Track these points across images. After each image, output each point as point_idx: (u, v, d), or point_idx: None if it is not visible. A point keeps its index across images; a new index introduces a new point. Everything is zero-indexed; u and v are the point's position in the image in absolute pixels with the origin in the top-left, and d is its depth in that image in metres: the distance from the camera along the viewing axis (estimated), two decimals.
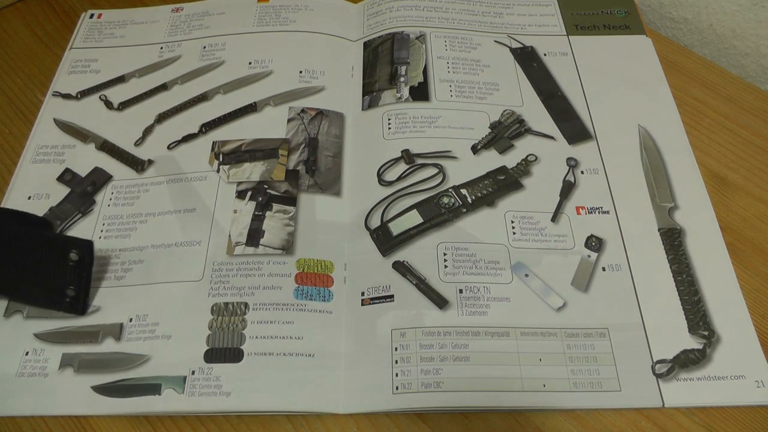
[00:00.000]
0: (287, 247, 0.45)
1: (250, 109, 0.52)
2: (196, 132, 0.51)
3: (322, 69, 0.55)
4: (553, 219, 0.46)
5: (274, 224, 0.46)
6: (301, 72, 0.55)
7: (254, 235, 0.45)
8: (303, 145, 0.50)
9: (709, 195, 0.48)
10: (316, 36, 0.58)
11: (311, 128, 0.51)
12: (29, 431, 0.39)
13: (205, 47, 0.57)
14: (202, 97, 0.53)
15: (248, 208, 0.46)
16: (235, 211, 0.46)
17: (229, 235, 0.45)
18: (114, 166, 0.49)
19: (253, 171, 0.48)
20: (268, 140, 0.50)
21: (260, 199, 0.47)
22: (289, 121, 0.52)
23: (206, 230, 0.45)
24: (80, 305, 0.42)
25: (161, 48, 0.57)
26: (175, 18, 0.60)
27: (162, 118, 0.52)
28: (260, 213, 0.46)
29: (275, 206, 0.47)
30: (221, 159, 0.49)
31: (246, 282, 0.43)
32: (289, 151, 0.50)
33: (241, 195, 0.47)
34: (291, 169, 0.49)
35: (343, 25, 0.60)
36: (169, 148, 0.50)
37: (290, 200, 0.47)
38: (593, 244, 0.45)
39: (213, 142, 0.50)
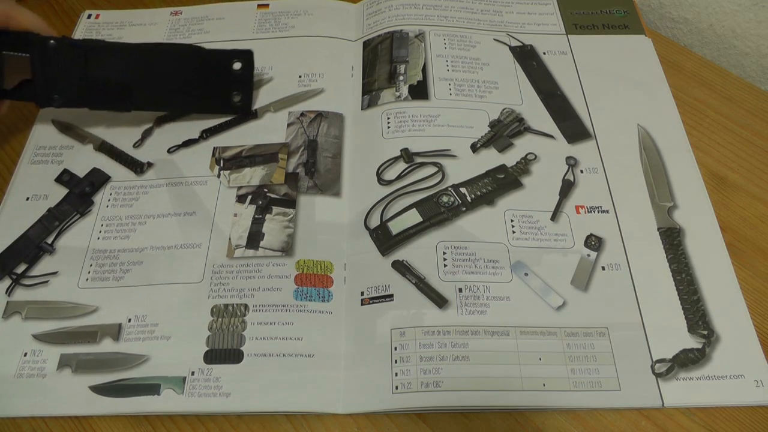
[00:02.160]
0: (287, 249, 0.45)
1: (251, 115, 0.52)
2: (197, 137, 0.51)
3: (322, 71, 0.55)
4: (553, 218, 0.46)
5: (273, 227, 0.46)
6: (300, 76, 0.55)
7: (254, 238, 0.45)
8: (302, 148, 0.50)
9: (708, 195, 0.48)
10: (315, 39, 0.58)
11: (310, 130, 0.51)
12: (29, 431, 0.39)
13: None
14: None
15: (248, 211, 0.46)
16: (235, 215, 0.46)
17: (229, 238, 0.45)
18: (113, 168, 0.49)
19: (253, 175, 0.48)
20: (268, 145, 0.50)
21: (260, 202, 0.47)
22: (288, 125, 0.51)
23: (206, 233, 0.45)
24: (247, 107, 0.51)
25: None
26: (174, 21, 0.60)
27: (161, 121, 0.52)
28: (260, 216, 0.46)
29: (275, 209, 0.47)
30: (222, 164, 0.49)
31: (246, 284, 0.43)
32: (288, 154, 0.50)
33: (241, 199, 0.47)
34: (290, 172, 0.49)
35: (342, 26, 0.59)
36: (169, 152, 0.50)
37: (290, 203, 0.47)
38: (593, 243, 0.45)
39: (214, 147, 0.50)
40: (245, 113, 0.52)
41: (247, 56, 0.51)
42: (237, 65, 0.50)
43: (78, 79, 0.47)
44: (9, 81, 0.45)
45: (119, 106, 0.50)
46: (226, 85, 0.51)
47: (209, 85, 0.50)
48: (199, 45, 0.51)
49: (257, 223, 0.46)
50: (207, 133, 0.51)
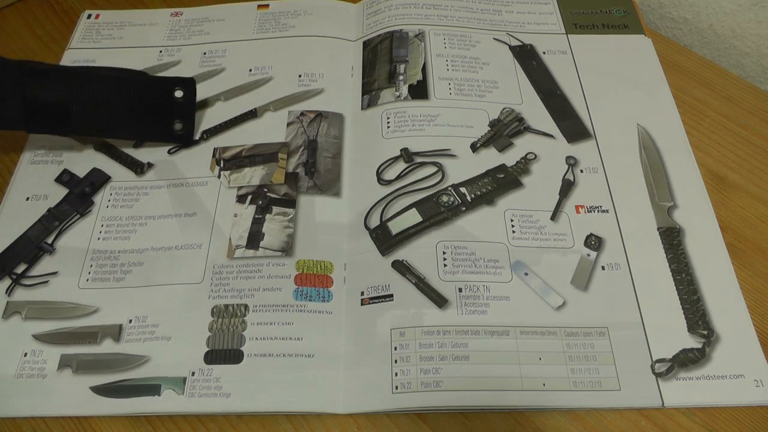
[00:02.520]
0: (287, 249, 0.45)
1: (251, 115, 0.52)
2: (197, 138, 0.51)
3: (322, 71, 0.55)
4: (553, 218, 0.46)
5: (273, 227, 0.46)
6: (300, 76, 0.55)
7: (254, 238, 0.45)
8: (302, 148, 0.50)
9: (708, 195, 0.48)
10: (315, 39, 0.58)
11: (310, 131, 0.51)
12: (29, 431, 0.39)
13: (205, 53, 0.57)
14: (203, 104, 0.53)
15: (248, 211, 0.46)
16: (235, 215, 0.46)
17: (230, 239, 0.45)
18: (113, 168, 0.49)
19: (253, 175, 0.48)
20: (268, 145, 0.50)
21: (260, 202, 0.47)
22: (288, 125, 0.52)
23: (207, 234, 0.45)
24: (188, 136, 0.50)
25: (160, 51, 0.57)
26: (175, 22, 0.60)
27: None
28: (260, 216, 0.46)
29: (275, 209, 0.47)
30: (222, 165, 0.49)
31: (246, 284, 0.43)
32: (288, 154, 0.50)
33: (241, 199, 0.47)
34: (290, 172, 0.49)
35: (342, 26, 0.59)
36: (169, 152, 0.50)
37: (290, 203, 0.47)
38: (593, 243, 0.45)
39: (214, 148, 0.50)
40: (186, 142, 0.50)
41: (188, 84, 0.50)
42: (179, 93, 0.50)
43: (16, 101, 0.46)
44: None
45: (58, 131, 0.48)
46: (167, 113, 0.50)
47: (150, 112, 0.49)
48: (142, 70, 0.50)
49: (257, 223, 0.46)
50: (207, 134, 0.51)
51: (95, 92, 0.47)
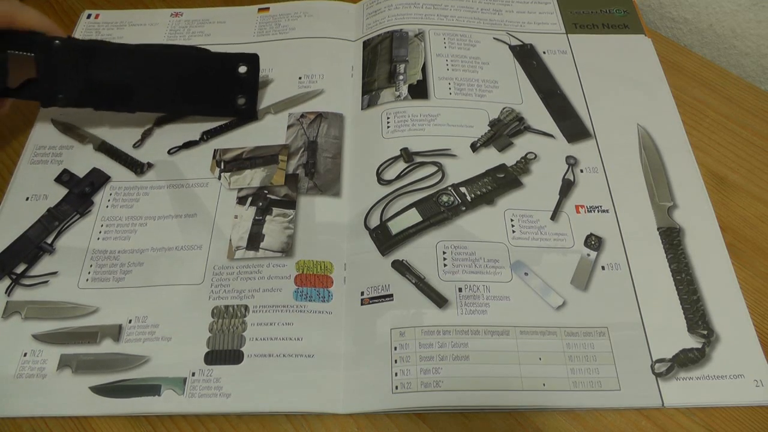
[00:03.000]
0: (287, 250, 0.45)
1: (254, 118, 0.52)
2: (197, 139, 0.51)
3: (322, 72, 0.55)
4: (553, 217, 0.46)
5: (274, 228, 0.46)
6: (300, 78, 0.55)
7: (254, 240, 0.45)
8: (302, 149, 0.50)
9: (709, 195, 0.48)
10: (315, 40, 0.58)
11: (310, 132, 0.51)
12: (29, 431, 0.39)
13: None
14: None
15: (249, 213, 0.46)
16: (236, 217, 0.46)
17: (230, 240, 0.45)
18: (113, 168, 0.49)
19: (253, 177, 0.48)
20: (269, 147, 0.50)
21: (260, 204, 0.47)
22: (289, 127, 0.51)
23: (207, 235, 0.45)
24: (252, 111, 0.51)
25: None
26: (174, 23, 0.60)
27: (161, 122, 0.52)
28: (260, 217, 0.46)
29: (275, 210, 0.47)
30: (222, 167, 0.49)
31: (246, 285, 0.43)
32: (288, 156, 0.50)
33: (241, 201, 0.47)
34: (291, 173, 0.49)
35: (342, 27, 0.59)
36: (169, 153, 0.50)
37: (290, 204, 0.47)
38: (593, 242, 0.45)
39: (214, 150, 0.50)
40: (250, 117, 0.52)
41: (253, 60, 0.51)
42: (242, 69, 0.50)
43: (82, 79, 0.47)
44: (13, 80, 0.45)
45: (123, 107, 0.50)
46: (230, 89, 0.51)
47: (214, 87, 0.50)
48: (204, 47, 0.51)
49: (257, 224, 0.46)
50: (207, 135, 0.51)
51: (158, 69, 0.48)
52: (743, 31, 0.61)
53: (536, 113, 0.52)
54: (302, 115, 0.52)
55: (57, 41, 0.45)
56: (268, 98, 0.54)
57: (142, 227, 0.46)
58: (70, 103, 0.47)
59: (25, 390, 0.39)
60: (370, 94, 0.54)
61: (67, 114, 0.52)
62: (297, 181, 0.48)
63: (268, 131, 0.51)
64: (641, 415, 0.39)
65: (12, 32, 0.44)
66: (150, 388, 0.39)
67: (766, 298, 0.43)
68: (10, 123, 0.53)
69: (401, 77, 0.54)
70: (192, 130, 0.51)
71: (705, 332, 0.41)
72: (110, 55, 0.47)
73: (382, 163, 0.49)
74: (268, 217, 0.46)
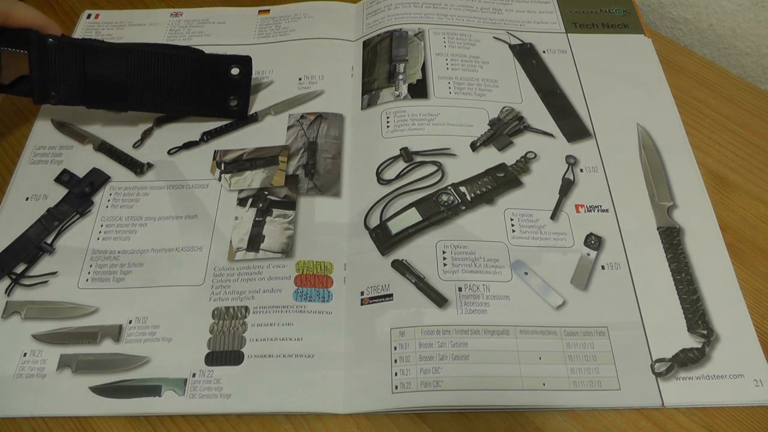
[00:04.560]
0: (287, 251, 0.45)
1: (251, 119, 0.52)
2: (198, 140, 0.51)
3: (322, 73, 0.55)
4: (553, 217, 0.46)
5: (274, 229, 0.46)
6: (300, 79, 0.55)
7: (255, 241, 0.45)
8: (302, 150, 0.50)
9: (708, 195, 0.48)
10: (315, 41, 0.58)
11: (310, 132, 0.51)
12: (29, 431, 0.39)
13: None
14: None
15: (249, 214, 0.46)
16: (236, 218, 0.46)
17: (230, 242, 0.45)
18: (112, 168, 0.49)
19: (253, 178, 0.48)
20: (269, 148, 0.50)
21: (261, 205, 0.47)
22: (289, 128, 0.51)
23: (207, 236, 0.45)
24: (243, 112, 0.52)
25: None
26: (174, 23, 0.60)
27: (161, 122, 0.52)
28: (261, 219, 0.46)
29: (275, 211, 0.47)
30: (223, 168, 0.49)
31: (246, 286, 0.43)
32: (288, 157, 0.50)
33: (242, 202, 0.47)
34: (291, 174, 0.49)
35: (342, 27, 0.59)
36: (169, 153, 0.50)
37: (290, 204, 0.47)
38: (592, 242, 0.45)
39: (215, 151, 0.50)
40: (241, 118, 0.52)
41: (245, 62, 0.51)
42: (235, 71, 0.50)
43: (76, 77, 0.47)
44: (6, 76, 0.46)
45: (116, 106, 0.50)
46: (223, 90, 0.51)
47: (207, 88, 0.50)
48: (197, 48, 0.51)
49: (258, 225, 0.46)
50: (208, 136, 0.51)
51: (153, 69, 0.48)
52: (743, 31, 0.61)
53: (536, 112, 0.52)
54: (302, 116, 0.52)
55: (51, 39, 0.45)
56: (268, 99, 0.54)
57: (142, 228, 0.46)
58: (62, 100, 0.47)
59: (24, 390, 0.39)
60: (369, 93, 0.54)
61: (68, 114, 0.52)
62: (297, 182, 0.48)
63: (268, 132, 0.51)
64: (641, 415, 0.39)
65: (5, 30, 0.44)
66: (150, 389, 0.39)
67: (766, 298, 0.43)
68: (9, 123, 0.53)
69: (401, 77, 0.54)
70: (192, 130, 0.51)
71: (705, 332, 0.41)
72: (104, 54, 0.47)
73: (381, 163, 0.49)
74: (268, 219, 0.46)
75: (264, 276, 0.43)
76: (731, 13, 0.61)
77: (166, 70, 0.49)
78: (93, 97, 0.48)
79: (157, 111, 0.52)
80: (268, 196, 0.47)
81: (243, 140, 0.51)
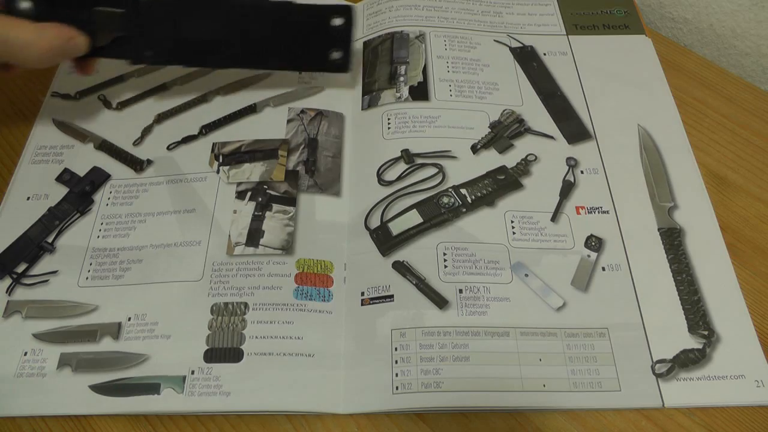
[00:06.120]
0: (287, 248, 0.45)
1: (250, 110, 0.52)
2: (196, 133, 0.51)
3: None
4: (553, 219, 0.46)
5: (273, 224, 0.46)
6: (300, 73, 0.55)
7: (254, 236, 0.45)
8: (302, 146, 0.50)
9: (709, 195, 0.48)
10: None
11: (311, 129, 0.51)
12: (29, 431, 0.39)
13: None
14: (202, 99, 0.53)
15: (248, 208, 0.46)
16: (234, 212, 0.46)
17: (229, 236, 0.45)
18: (112, 166, 0.49)
19: (252, 172, 0.48)
20: (268, 141, 0.50)
21: (260, 199, 0.47)
22: (288, 121, 0.52)
23: (206, 231, 0.45)
24: (346, 65, 0.50)
25: None
26: None
27: (161, 118, 0.52)
28: (260, 213, 0.46)
29: (275, 206, 0.47)
30: (221, 160, 0.49)
31: (246, 282, 0.43)
32: (288, 151, 0.50)
33: (240, 195, 0.47)
34: (291, 169, 0.49)
35: None
36: (168, 148, 0.50)
37: (290, 201, 0.47)
38: (593, 243, 0.45)
39: (213, 143, 0.50)
40: (343, 71, 0.51)
41: (347, 11, 0.49)
42: (337, 21, 0.48)
43: (170, 35, 0.46)
44: (101, 38, 0.45)
45: (212, 63, 0.50)
46: (323, 42, 0.49)
47: (305, 41, 0.49)
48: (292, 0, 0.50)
49: (257, 220, 0.46)
50: (206, 129, 0.51)
51: (249, 23, 0.47)
52: (743, 31, 0.62)
53: (537, 115, 0.52)
54: (302, 111, 0.52)
55: None
56: (266, 91, 0.53)
57: (141, 224, 0.46)
58: (158, 59, 0.47)
59: (25, 389, 0.39)
60: (370, 94, 0.54)
61: (68, 113, 0.52)
62: (297, 178, 0.48)
63: (267, 125, 0.51)
64: (641, 416, 0.39)
65: None
66: (149, 387, 0.39)
67: (766, 298, 0.43)
68: (10, 123, 0.53)
69: (402, 78, 0.54)
70: (192, 124, 0.51)
71: (706, 332, 0.41)
72: (198, 8, 0.46)
73: (382, 164, 0.49)
74: (267, 214, 0.46)
75: (264, 272, 0.43)
76: (731, 13, 0.61)
77: (262, 23, 0.48)
78: (189, 54, 0.48)
79: (254, 67, 0.51)
80: (268, 191, 0.47)
81: (241, 132, 0.51)
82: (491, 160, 0.49)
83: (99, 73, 0.55)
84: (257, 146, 0.50)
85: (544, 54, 0.57)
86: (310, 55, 0.50)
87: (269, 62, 0.50)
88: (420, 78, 0.54)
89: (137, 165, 0.49)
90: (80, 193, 0.48)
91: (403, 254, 0.44)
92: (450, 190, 0.47)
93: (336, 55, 0.50)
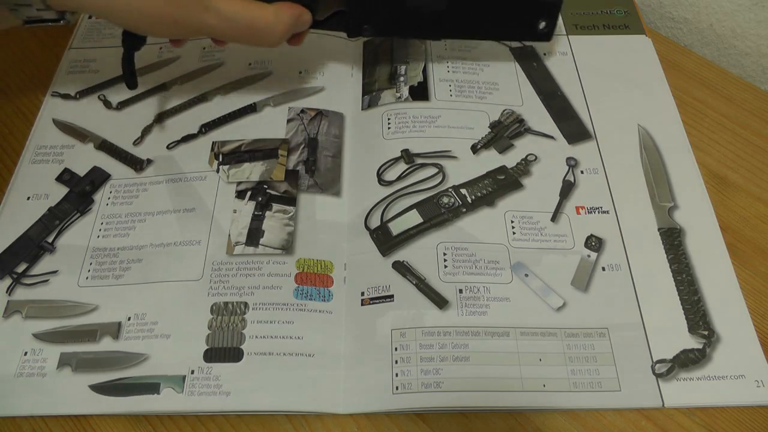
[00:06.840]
0: (287, 247, 0.45)
1: (250, 109, 0.52)
2: (196, 132, 0.51)
3: (322, 70, 0.55)
4: (553, 219, 0.46)
5: (273, 224, 0.46)
6: (300, 72, 0.55)
7: (254, 235, 0.45)
8: (302, 146, 0.50)
9: (709, 195, 0.48)
10: (315, 37, 0.58)
11: (311, 128, 0.51)
12: (29, 431, 0.39)
13: (204, 48, 0.57)
14: (202, 98, 0.53)
15: (248, 207, 0.46)
16: (234, 211, 0.46)
17: (229, 235, 0.45)
18: (113, 166, 0.49)
19: (252, 171, 0.48)
20: (268, 140, 0.50)
21: (260, 199, 0.47)
22: (288, 121, 0.52)
23: (206, 230, 0.45)
24: (550, 35, 0.51)
25: (160, 48, 0.57)
26: None
27: (161, 118, 0.52)
28: (260, 213, 0.46)
29: (275, 206, 0.47)
30: (221, 159, 0.49)
31: (246, 282, 0.43)
32: (288, 151, 0.50)
33: (240, 195, 0.47)
34: (291, 169, 0.49)
35: None
36: (168, 148, 0.50)
37: (290, 200, 0.47)
38: (593, 243, 0.45)
39: (213, 142, 0.50)
40: (546, 40, 0.52)
41: None
42: None
43: (390, 8, 0.47)
44: (322, 12, 0.45)
45: (429, 35, 0.50)
46: (533, 12, 0.50)
47: (516, 10, 0.50)
48: None
49: (257, 219, 0.46)
50: (206, 128, 0.51)
51: None
52: (743, 31, 0.62)
53: (537, 115, 0.52)
54: (302, 111, 0.52)
55: None
56: (267, 90, 0.54)
57: (141, 223, 0.46)
58: (376, 33, 0.48)
59: (25, 389, 0.39)
60: (370, 94, 0.54)
61: (69, 113, 0.52)
62: (297, 177, 0.48)
63: (267, 124, 0.51)
64: (641, 416, 0.39)
65: None
66: (149, 387, 0.39)
67: (766, 298, 0.43)
68: (10, 123, 0.53)
69: (402, 78, 0.54)
70: (192, 123, 0.51)
71: (706, 333, 0.41)
72: None
73: (382, 164, 0.49)
74: (267, 213, 0.46)
75: (264, 272, 0.43)
76: (731, 13, 0.61)
77: None
78: (407, 26, 0.48)
79: (468, 37, 0.52)
80: (268, 190, 0.47)
81: (241, 131, 0.51)
82: (491, 160, 0.49)
83: (99, 73, 0.55)
84: (257, 146, 0.50)
85: (544, 54, 0.57)
86: (520, 25, 0.51)
87: (480, 32, 0.51)
88: (420, 78, 0.54)
89: (137, 164, 0.49)
90: (80, 192, 0.48)
91: (403, 254, 0.44)
92: (450, 190, 0.47)
93: (542, 25, 0.51)
